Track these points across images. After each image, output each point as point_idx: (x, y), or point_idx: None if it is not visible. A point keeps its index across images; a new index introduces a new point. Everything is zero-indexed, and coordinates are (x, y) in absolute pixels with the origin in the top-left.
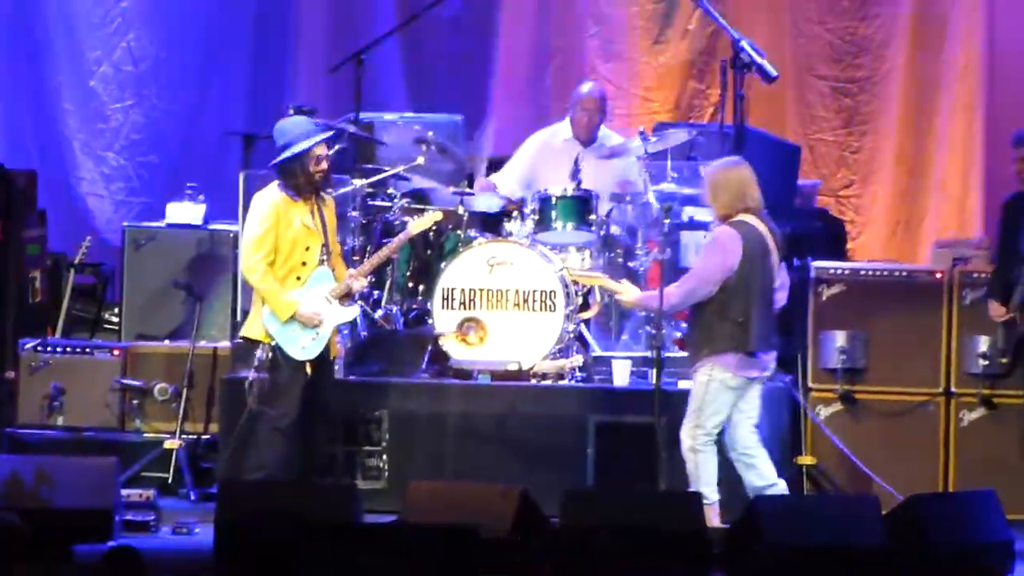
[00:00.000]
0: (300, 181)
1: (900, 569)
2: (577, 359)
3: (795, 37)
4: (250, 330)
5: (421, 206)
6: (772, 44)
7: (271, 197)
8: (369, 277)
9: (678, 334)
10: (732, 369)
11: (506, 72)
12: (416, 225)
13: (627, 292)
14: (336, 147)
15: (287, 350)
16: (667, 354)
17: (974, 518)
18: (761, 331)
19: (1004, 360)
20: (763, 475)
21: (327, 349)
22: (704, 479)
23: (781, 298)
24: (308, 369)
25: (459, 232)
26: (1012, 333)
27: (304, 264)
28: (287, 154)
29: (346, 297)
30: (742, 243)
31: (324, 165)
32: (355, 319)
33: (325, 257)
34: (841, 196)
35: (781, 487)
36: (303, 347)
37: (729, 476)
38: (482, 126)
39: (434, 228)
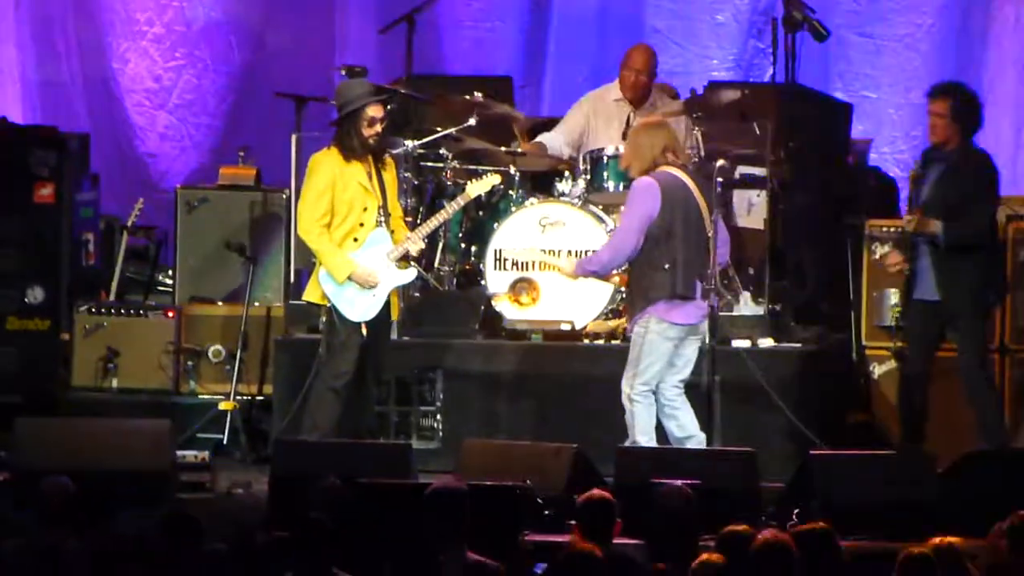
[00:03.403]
0: (354, 142)
1: (955, 526)
2: None
3: None
4: (310, 293)
5: (475, 166)
6: (818, 3)
7: (327, 158)
8: (425, 239)
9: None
10: (667, 317)
11: (562, 31)
12: (474, 188)
13: (565, 264)
14: (389, 107)
15: (343, 311)
16: (721, 313)
17: None
18: (689, 276)
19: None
20: (683, 426)
21: (386, 311)
22: (640, 428)
23: (723, 253)
24: (363, 330)
25: (511, 192)
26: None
27: (362, 225)
28: (341, 113)
29: (404, 259)
30: (660, 190)
31: (378, 127)
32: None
33: (383, 218)
34: (885, 153)
35: (699, 440)
36: (359, 308)
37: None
38: (538, 86)
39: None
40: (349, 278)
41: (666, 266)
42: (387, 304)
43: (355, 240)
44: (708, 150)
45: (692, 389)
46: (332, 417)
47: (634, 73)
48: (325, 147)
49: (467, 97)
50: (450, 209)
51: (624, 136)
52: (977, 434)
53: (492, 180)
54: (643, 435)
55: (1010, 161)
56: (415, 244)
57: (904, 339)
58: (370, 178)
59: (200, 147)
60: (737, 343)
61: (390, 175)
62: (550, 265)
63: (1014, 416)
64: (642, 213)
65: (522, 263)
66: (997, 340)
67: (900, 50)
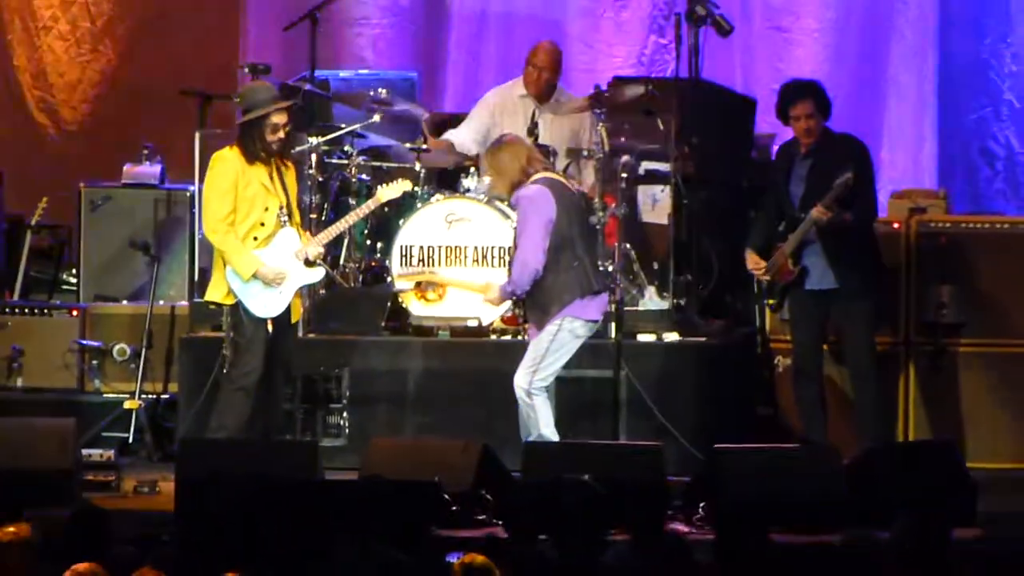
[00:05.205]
0: (256, 147)
1: (861, 518)
2: None
3: None
4: (212, 293)
5: (380, 163)
6: None
7: (229, 157)
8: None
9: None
10: (582, 314)
11: (465, 28)
12: (385, 192)
13: (489, 293)
14: (293, 107)
15: (249, 307)
16: (626, 308)
17: (934, 467)
18: (595, 271)
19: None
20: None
21: (290, 310)
22: (543, 421)
23: None
24: (269, 327)
25: (416, 189)
26: (774, 286)
27: (262, 224)
28: (244, 119)
29: (308, 262)
30: (550, 192)
31: (281, 134)
32: None
33: (286, 219)
34: None
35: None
36: (265, 304)
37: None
38: (440, 83)
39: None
40: (255, 275)
41: (575, 264)
42: (288, 306)
43: (255, 239)
44: (612, 146)
45: (604, 384)
46: (242, 418)
47: (538, 70)
48: (228, 145)
49: (371, 93)
50: (360, 212)
51: (529, 132)
52: (859, 424)
53: (403, 186)
54: (547, 427)
55: (912, 155)
56: (314, 249)
57: (792, 334)
58: (271, 179)
59: (104, 145)
60: (643, 337)
61: (291, 177)
62: (472, 287)
63: (919, 410)
64: (541, 221)
65: (428, 256)
66: (902, 334)
67: (807, 44)
